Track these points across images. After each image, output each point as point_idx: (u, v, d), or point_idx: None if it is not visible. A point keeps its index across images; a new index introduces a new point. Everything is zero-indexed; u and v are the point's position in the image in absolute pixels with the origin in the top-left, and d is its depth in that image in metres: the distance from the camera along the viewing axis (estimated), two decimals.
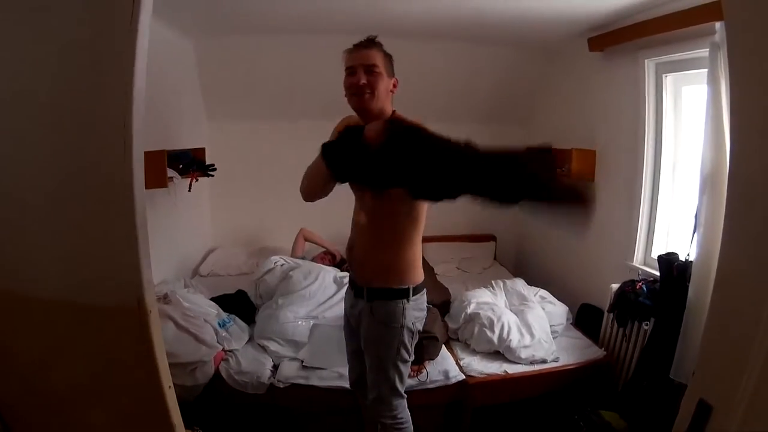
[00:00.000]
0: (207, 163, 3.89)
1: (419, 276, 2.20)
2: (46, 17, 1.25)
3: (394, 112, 2.05)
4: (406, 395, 2.30)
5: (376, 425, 2.31)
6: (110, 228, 1.32)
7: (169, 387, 1.43)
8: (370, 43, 2.00)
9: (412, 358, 2.28)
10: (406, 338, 2.15)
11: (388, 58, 2.04)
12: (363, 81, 1.93)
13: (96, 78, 1.26)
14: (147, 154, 1.38)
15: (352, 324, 2.34)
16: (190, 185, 3.72)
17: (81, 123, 1.28)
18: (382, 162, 1.70)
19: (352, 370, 2.49)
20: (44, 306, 1.40)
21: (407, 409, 2.31)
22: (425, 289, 2.25)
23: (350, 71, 1.98)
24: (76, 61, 1.26)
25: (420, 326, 2.23)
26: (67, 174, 1.32)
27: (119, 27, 1.20)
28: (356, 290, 2.25)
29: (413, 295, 2.14)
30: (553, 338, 3.37)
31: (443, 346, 3.21)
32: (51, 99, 1.29)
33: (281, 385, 2.85)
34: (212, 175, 3.89)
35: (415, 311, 2.17)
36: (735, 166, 1.07)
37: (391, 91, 2.04)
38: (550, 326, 3.43)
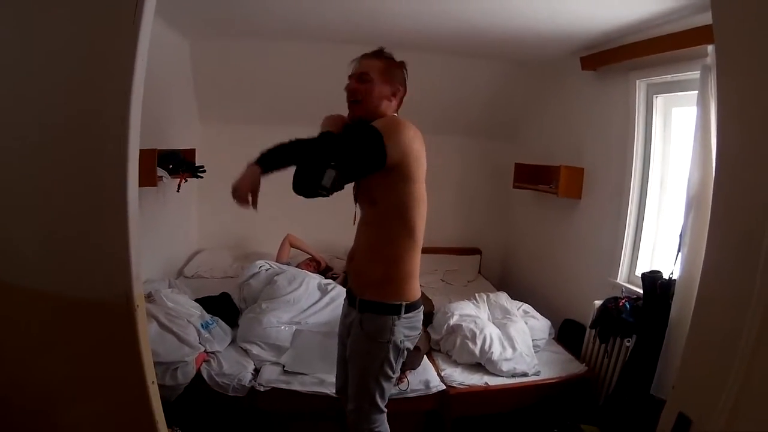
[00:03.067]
0: (197, 164, 3.88)
1: (414, 292, 2.15)
2: (49, 11, 1.25)
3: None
4: (386, 410, 2.23)
5: None
6: (102, 221, 1.32)
7: (153, 382, 1.43)
8: (373, 53, 2.12)
9: (397, 375, 2.22)
10: (392, 355, 2.08)
11: (391, 67, 2.12)
12: (351, 87, 2.08)
13: (96, 71, 1.26)
14: (139, 151, 1.38)
15: (343, 332, 2.30)
16: (179, 186, 3.71)
17: (78, 115, 1.28)
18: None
19: (339, 376, 2.44)
20: (32, 297, 1.39)
21: (386, 423, 2.25)
22: (422, 308, 2.21)
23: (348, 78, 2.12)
24: (76, 54, 1.26)
25: (410, 345, 2.17)
26: (61, 165, 1.32)
27: (121, 23, 1.21)
28: (350, 299, 2.24)
29: (406, 313, 2.09)
30: (535, 352, 3.39)
31: (425, 356, 3.21)
32: (49, 90, 1.29)
33: (262, 389, 2.84)
34: (201, 177, 3.88)
35: (406, 329, 2.11)
36: (718, 188, 1.09)
37: (390, 98, 2.11)
38: (533, 340, 3.45)
